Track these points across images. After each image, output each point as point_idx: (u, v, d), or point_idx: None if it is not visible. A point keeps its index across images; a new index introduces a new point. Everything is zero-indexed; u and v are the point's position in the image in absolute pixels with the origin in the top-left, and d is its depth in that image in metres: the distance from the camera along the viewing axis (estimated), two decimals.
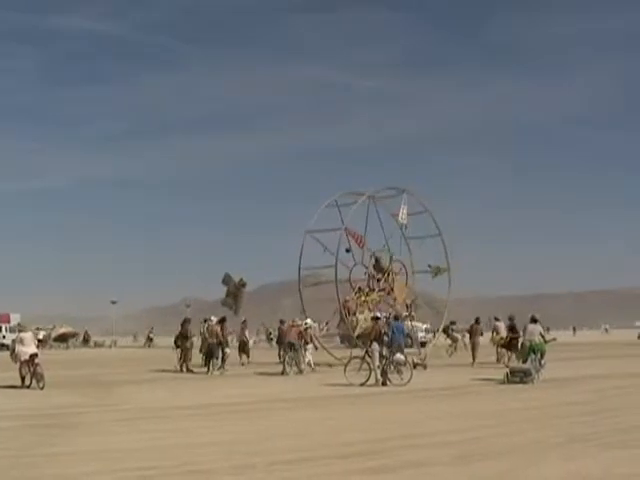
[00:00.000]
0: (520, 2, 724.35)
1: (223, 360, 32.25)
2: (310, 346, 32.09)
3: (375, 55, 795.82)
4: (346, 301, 37.29)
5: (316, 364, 32.23)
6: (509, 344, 33.72)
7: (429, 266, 40.95)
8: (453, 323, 50.60)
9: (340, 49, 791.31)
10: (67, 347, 76.75)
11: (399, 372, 24.41)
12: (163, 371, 33.39)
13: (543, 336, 25.81)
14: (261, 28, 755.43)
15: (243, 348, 38.19)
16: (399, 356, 24.77)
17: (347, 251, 37.91)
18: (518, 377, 24.40)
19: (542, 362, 25.26)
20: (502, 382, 24.39)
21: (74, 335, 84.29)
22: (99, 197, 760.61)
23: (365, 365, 25.33)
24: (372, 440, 13.28)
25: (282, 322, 38.40)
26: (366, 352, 25.44)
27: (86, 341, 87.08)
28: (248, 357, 37.84)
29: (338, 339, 55.82)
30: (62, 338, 79.45)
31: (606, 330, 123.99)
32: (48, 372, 25.16)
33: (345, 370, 25.22)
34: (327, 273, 37.88)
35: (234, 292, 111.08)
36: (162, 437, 14.13)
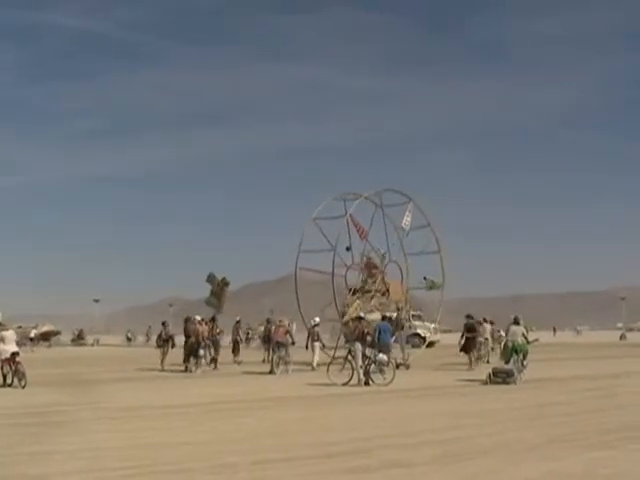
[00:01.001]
0: (502, 2, 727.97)
1: (205, 359, 32.50)
2: (317, 344, 32.10)
3: (358, 54, 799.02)
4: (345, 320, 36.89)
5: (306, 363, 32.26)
6: (466, 345, 32.57)
7: (424, 278, 41.01)
8: (493, 323, 51.50)
9: (324, 48, 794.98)
10: (49, 345, 76.41)
11: (382, 372, 24.41)
12: (146, 370, 33.30)
13: (526, 337, 25.87)
14: (245, 27, 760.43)
15: (236, 347, 38.28)
16: (382, 356, 24.78)
17: (347, 249, 37.76)
18: (500, 378, 24.44)
19: (524, 363, 25.35)
20: (485, 383, 24.43)
21: (56, 334, 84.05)
22: (81, 194, 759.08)
23: (348, 365, 25.36)
24: (355, 440, 13.29)
25: (268, 321, 38.55)
26: (349, 352, 25.45)
27: (81, 339, 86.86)
28: (238, 355, 37.85)
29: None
30: (44, 336, 79.18)
31: (578, 331, 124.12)
32: (30, 370, 25.04)
33: (328, 370, 25.23)
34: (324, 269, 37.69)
35: (217, 291, 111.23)
36: (143, 436, 14.11)
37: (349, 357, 25.38)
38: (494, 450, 12.14)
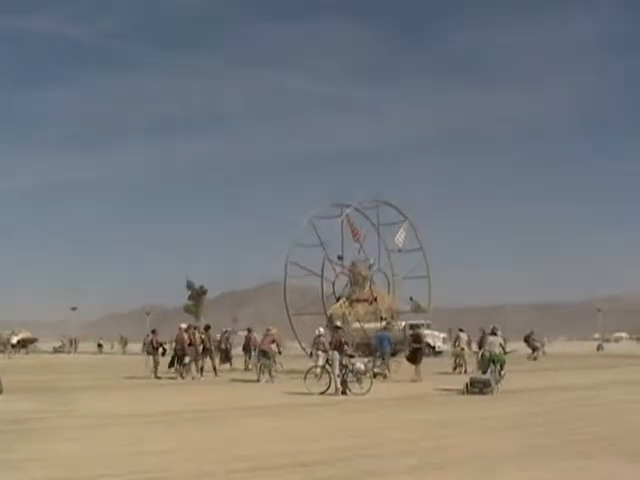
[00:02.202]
0: (474, 13, 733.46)
1: (191, 366, 32.75)
2: (321, 354, 32.19)
3: (330, 64, 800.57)
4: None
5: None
6: (412, 356, 31.56)
7: (411, 299, 41.24)
8: (532, 333, 53.02)
9: (301, 57, 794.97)
10: (27, 352, 76.10)
11: (359, 381, 24.40)
12: (123, 378, 33.19)
13: (503, 347, 25.94)
14: (222, 35, 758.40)
15: (227, 355, 38.26)
16: (359, 365, 24.78)
17: (339, 258, 37.80)
18: (478, 388, 24.46)
19: (502, 373, 25.40)
20: (462, 392, 24.46)
21: (33, 341, 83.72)
22: (56, 200, 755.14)
23: (325, 374, 25.35)
24: (331, 449, 13.27)
25: (250, 330, 38.71)
26: (327, 361, 25.43)
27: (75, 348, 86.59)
28: (231, 364, 37.94)
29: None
30: (22, 344, 78.93)
31: (543, 344, 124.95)
32: (6, 377, 24.89)
33: (305, 378, 25.21)
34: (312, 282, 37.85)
35: (195, 299, 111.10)
36: (120, 444, 14.01)
37: (326, 366, 25.37)
38: (470, 460, 12.13)
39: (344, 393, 24.13)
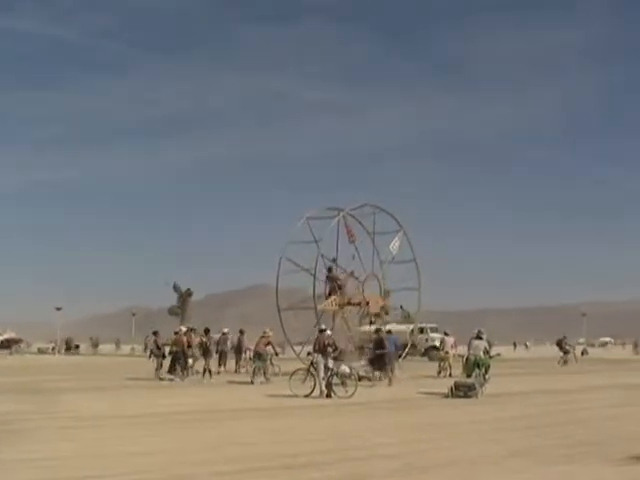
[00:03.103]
0: (459, 19, 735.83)
1: (191, 368, 33.11)
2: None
3: (322, 67, 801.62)
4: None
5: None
6: (374, 360, 30.85)
7: (401, 307, 41.37)
8: (565, 337, 54.02)
9: (288, 60, 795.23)
10: (11, 353, 75.76)
11: (344, 384, 24.38)
12: (110, 379, 33.15)
13: (488, 352, 26.00)
14: (210, 37, 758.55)
15: (224, 358, 38.30)
16: (344, 368, 24.77)
17: (333, 260, 37.83)
18: (462, 391, 24.50)
19: (486, 377, 25.44)
20: (446, 396, 24.47)
21: (18, 341, 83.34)
22: (41, 201, 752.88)
23: (310, 376, 25.33)
24: (315, 452, 13.25)
25: (242, 332, 38.91)
26: (311, 364, 25.40)
27: (69, 348, 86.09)
28: (225, 366, 38.02)
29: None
30: (5, 344, 78.63)
31: (526, 346, 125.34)
32: None
33: (290, 381, 25.18)
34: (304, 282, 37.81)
35: (181, 301, 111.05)
36: (104, 445, 13.96)
37: (311, 369, 25.35)
38: (454, 464, 12.13)
39: (329, 396, 24.10)
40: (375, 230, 39.44)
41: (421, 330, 60.24)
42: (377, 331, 31.66)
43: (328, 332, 26.36)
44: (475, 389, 24.50)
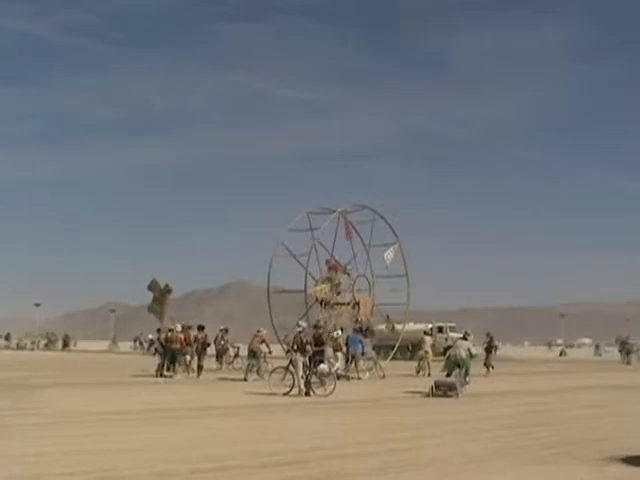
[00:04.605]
0: (441, 17, 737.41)
1: (186, 365, 33.66)
2: (340, 354, 32.35)
3: (301, 65, 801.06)
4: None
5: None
6: (313, 357, 28.56)
7: (387, 317, 41.51)
8: (628, 337, 55.23)
9: (264, 58, 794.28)
10: None
11: (322, 383, 24.38)
12: (89, 375, 33.09)
13: (470, 352, 26.13)
14: (187, 35, 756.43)
15: (222, 355, 38.92)
16: (323, 367, 24.77)
17: (327, 262, 37.99)
18: (442, 391, 24.59)
19: (467, 379, 25.61)
20: (427, 395, 24.53)
21: None
22: (19, 197, 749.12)
23: (289, 375, 25.32)
24: (294, 450, 13.24)
25: (225, 330, 39.37)
26: (290, 362, 25.37)
27: (66, 345, 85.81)
28: (222, 364, 38.64)
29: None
30: None
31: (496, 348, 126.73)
32: None
33: (269, 379, 25.18)
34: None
35: (160, 298, 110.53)
36: (82, 442, 13.88)
37: (290, 367, 25.33)
38: (433, 463, 12.12)
39: (308, 394, 24.09)
40: (372, 237, 39.67)
41: (440, 329, 60.65)
42: (316, 327, 31.13)
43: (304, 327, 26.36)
44: (456, 389, 24.58)
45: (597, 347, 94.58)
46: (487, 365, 40.62)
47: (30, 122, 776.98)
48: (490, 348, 42.44)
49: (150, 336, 59.21)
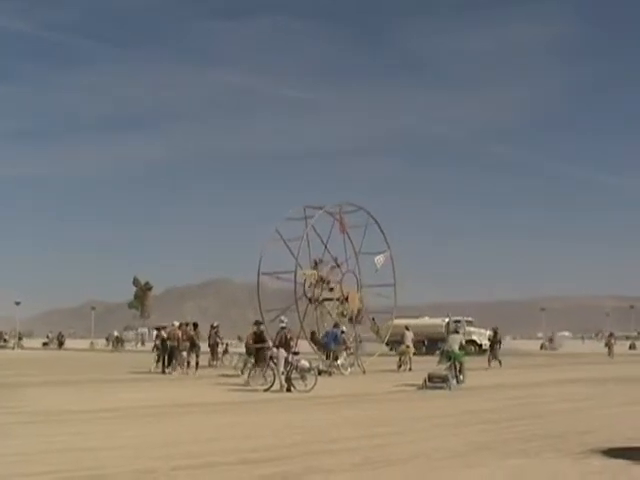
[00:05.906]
0: (426, 17, 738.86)
1: (190, 363, 34.08)
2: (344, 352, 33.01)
3: (284, 63, 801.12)
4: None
5: None
6: (255, 354, 28.87)
7: (373, 319, 41.61)
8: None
9: (252, 55, 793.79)
10: None
11: (303, 378, 24.31)
12: (71, 373, 32.98)
13: (463, 346, 26.36)
14: (175, 32, 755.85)
15: (214, 351, 39.34)
16: (304, 362, 24.70)
17: (320, 262, 37.99)
18: (435, 382, 24.86)
19: (461, 375, 25.83)
20: (420, 388, 24.69)
21: None
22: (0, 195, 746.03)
23: (269, 371, 25.24)
24: (276, 446, 13.20)
25: (215, 327, 39.37)
26: (271, 358, 25.26)
27: (61, 344, 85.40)
28: (216, 360, 39.03)
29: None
30: None
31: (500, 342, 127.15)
32: None
33: (249, 375, 25.13)
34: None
35: (140, 295, 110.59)
36: (64, 440, 13.82)
37: (271, 363, 25.23)
38: (416, 457, 12.09)
39: (289, 390, 24.02)
40: (363, 243, 39.63)
41: (255, 322, 60.40)
42: (257, 323, 30.81)
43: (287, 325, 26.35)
44: (448, 382, 24.74)
45: (551, 340, 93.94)
46: (490, 359, 41.32)
47: (13, 120, 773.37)
48: (495, 342, 42.56)
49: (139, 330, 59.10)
